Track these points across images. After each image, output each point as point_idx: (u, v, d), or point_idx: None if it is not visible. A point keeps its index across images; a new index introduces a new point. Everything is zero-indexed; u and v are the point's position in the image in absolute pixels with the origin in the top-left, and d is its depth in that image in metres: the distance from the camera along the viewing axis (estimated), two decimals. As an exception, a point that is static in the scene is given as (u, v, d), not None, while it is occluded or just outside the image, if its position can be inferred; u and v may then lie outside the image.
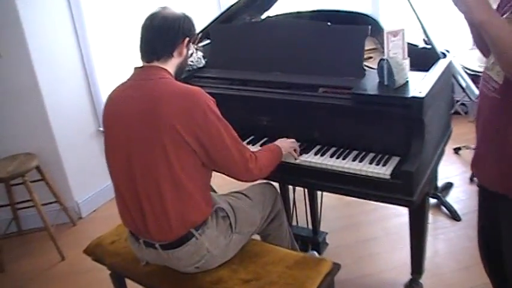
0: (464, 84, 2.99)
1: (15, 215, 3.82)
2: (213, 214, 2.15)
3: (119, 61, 4.16)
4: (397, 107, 2.15)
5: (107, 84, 4.08)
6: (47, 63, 3.64)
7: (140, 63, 2.12)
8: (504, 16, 1.73)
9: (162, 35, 2.06)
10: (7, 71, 3.53)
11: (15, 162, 3.49)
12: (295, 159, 2.36)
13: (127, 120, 2.03)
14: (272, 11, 3.39)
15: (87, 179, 4.05)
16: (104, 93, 4.05)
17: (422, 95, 2.08)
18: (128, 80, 2.14)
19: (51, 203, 3.79)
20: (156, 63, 2.08)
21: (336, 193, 2.38)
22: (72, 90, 3.89)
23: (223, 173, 2.14)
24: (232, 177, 2.15)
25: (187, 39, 2.12)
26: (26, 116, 3.67)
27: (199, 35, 2.96)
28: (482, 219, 2.21)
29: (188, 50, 2.20)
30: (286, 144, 2.34)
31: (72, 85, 3.89)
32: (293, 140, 2.40)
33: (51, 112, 3.70)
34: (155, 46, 2.07)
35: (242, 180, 2.18)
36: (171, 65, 2.12)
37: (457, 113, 4.86)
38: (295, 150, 2.37)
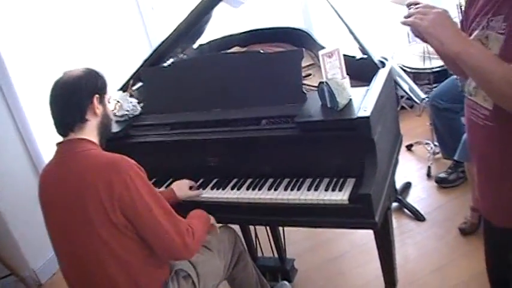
0: (407, 88, 2.97)
1: (-32, 296, 3.62)
2: (173, 277, 2.04)
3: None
4: (344, 130, 2.09)
5: (48, 145, 3.92)
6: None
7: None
8: (473, 35, 1.62)
9: (65, 105, 1.95)
10: None
11: (-40, 242, 3.30)
12: (198, 196, 2.30)
13: (59, 203, 1.92)
14: (203, 38, 3.31)
15: (41, 243, 3.81)
16: (44, 151, 3.89)
17: (368, 113, 2.02)
18: (52, 159, 2.02)
19: (5, 276, 3.61)
20: (73, 135, 1.96)
21: (297, 226, 2.31)
22: (8, 154, 3.69)
23: (158, 253, 1.97)
24: (166, 256, 2.01)
25: (96, 96, 1.99)
26: (-36, 190, 3.48)
27: (131, 81, 2.85)
28: (489, 249, 2.08)
29: (105, 105, 2.07)
30: (184, 191, 2.28)
31: (8, 148, 3.70)
32: (184, 180, 2.34)
33: (-9, 182, 3.51)
34: (64, 119, 1.96)
35: (179, 258, 2.05)
36: (90, 130, 1.99)
37: (402, 107, 4.87)
38: (191, 187, 2.31)
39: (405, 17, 1.55)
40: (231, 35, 3.34)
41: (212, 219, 2.23)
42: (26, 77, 3.82)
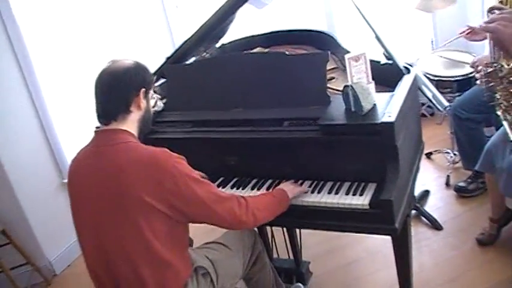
0: (430, 95, 2.95)
1: (-15, 283, 3.65)
2: (193, 274, 2.04)
3: (75, 109, 4.04)
4: (367, 135, 2.08)
5: (67, 135, 3.98)
6: (-1, 123, 3.50)
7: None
8: None
9: (112, 93, 1.93)
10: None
11: (-22, 230, 3.34)
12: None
13: (92, 194, 1.90)
14: (226, 38, 3.31)
15: (57, 234, 3.89)
16: (64, 144, 3.95)
17: (392, 119, 2.01)
18: (89, 145, 2.01)
19: (22, 265, 3.64)
20: (114, 125, 1.95)
21: (315, 229, 2.30)
22: (29, 145, 3.74)
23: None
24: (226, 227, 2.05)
25: (143, 90, 1.98)
26: (-16, 180, 3.52)
27: (154, 77, 2.85)
28: None
29: (148, 101, 2.06)
30: (291, 188, 2.20)
31: (29, 141, 3.74)
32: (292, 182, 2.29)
33: (10, 171, 3.55)
34: (108, 107, 1.94)
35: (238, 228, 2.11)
36: (131, 122, 1.98)
37: (423, 115, 4.83)
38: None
39: (487, 23, 1.51)
40: (253, 36, 3.34)
41: (300, 189, 2.21)
42: (49, 69, 3.87)
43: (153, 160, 1.84)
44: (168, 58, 2.95)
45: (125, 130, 1.95)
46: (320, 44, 3.04)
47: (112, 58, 2.03)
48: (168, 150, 1.89)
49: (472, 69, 3.49)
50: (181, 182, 1.83)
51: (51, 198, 3.89)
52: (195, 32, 2.85)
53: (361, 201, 2.07)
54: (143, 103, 2.00)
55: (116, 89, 1.93)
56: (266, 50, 3.13)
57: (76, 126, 4.03)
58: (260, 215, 2.01)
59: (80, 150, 2.04)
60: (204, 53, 3.14)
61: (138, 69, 1.99)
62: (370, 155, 2.11)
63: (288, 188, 2.17)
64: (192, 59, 3.05)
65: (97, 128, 2.04)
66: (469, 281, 2.93)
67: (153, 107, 2.08)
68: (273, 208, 2.08)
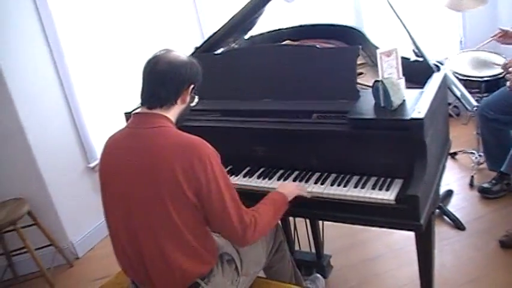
0: (459, 94, 2.94)
1: (10, 262, 3.72)
2: (218, 261, 2.07)
3: (102, 95, 4.09)
4: (396, 130, 2.08)
5: (94, 120, 4.02)
6: (29, 106, 3.55)
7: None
8: None
9: (167, 81, 1.95)
10: (-11, 117, 3.46)
11: (5, 210, 3.40)
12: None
13: (125, 174, 1.92)
14: (254, 30, 3.32)
15: (81, 217, 3.95)
16: (90, 129, 4.00)
17: (422, 115, 2.01)
18: (126, 127, 2.04)
19: (46, 246, 3.70)
20: (158, 111, 1.97)
21: (339, 222, 2.31)
22: (57, 129, 3.80)
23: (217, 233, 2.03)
24: (224, 237, 2.05)
25: (192, 85, 2.02)
26: (13, 160, 3.59)
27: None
28: None
29: (191, 96, 2.09)
30: (291, 189, 2.22)
31: (57, 124, 3.80)
32: (296, 183, 2.30)
33: (38, 154, 3.61)
34: (159, 93, 1.95)
35: (237, 245, 2.10)
36: (173, 113, 2.00)
37: (449, 115, 4.80)
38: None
39: None
40: (283, 29, 3.35)
41: (303, 190, 2.23)
42: (79, 56, 3.93)
43: (191, 145, 1.87)
44: (197, 48, 2.98)
45: (166, 117, 1.97)
46: (349, 39, 3.04)
47: (164, 47, 2.06)
48: (206, 142, 1.92)
49: (501, 71, 3.47)
50: (211, 175, 1.85)
51: (76, 182, 3.95)
52: (226, 23, 2.87)
53: (387, 196, 2.07)
54: (187, 98, 2.04)
55: (171, 79, 1.95)
56: (296, 43, 3.13)
57: (102, 112, 4.09)
58: (259, 235, 2.03)
59: (115, 132, 2.07)
60: (233, 44, 3.17)
61: (192, 65, 2.02)
62: (398, 150, 2.12)
63: (289, 190, 2.21)
64: (221, 50, 3.06)
65: (135, 112, 2.06)
66: (490, 282, 2.92)
67: (191, 102, 2.10)
68: (271, 225, 2.13)
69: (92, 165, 3.98)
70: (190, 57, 2.06)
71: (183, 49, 2.62)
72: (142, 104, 2.01)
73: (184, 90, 1.99)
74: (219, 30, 2.92)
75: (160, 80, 1.95)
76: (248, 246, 2.09)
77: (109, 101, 4.04)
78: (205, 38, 3.06)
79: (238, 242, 2.01)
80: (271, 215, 2.08)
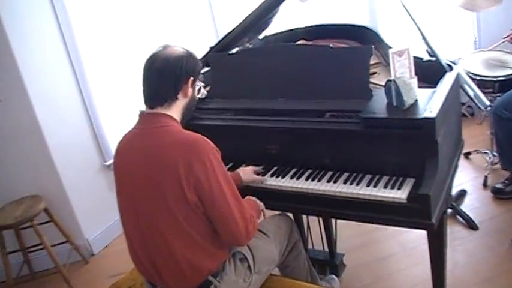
0: (472, 94, 2.93)
1: (26, 258, 3.77)
2: (230, 258, 2.09)
3: (118, 94, 4.13)
4: (408, 129, 2.09)
5: (109, 118, 4.07)
6: (46, 104, 3.60)
7: (142, 104, 2.04)
8: None
9: (164, 78, 1.96)
10: (8, 114, 3.51)
11: (22, 207, 3.45)
12: (262, 182, 2.37)
13: (133, 175, 1.97)
14: (269, 30, 3.35)
15: (96, 215, 4.00)
16: (106, 127, 4.04)
17: (434, 114, 2.02)
18: (134, 128, 2.07)
19: (61, 243, 3.75)
20: (159, 109, 1.99)
21: (351, 220, 2.32)
22: (73, 127, 3.85)
23: (220, 234, 1.98)
24: (228, 238, 2.00)
25: (191, 78, 2.03)
26: (30, 157, 3.64)
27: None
28: None
29: (194, 89, 2.10)
30: (250, 176, 2.35)
31: (73, 122, 3.85)
32: (250, 167, 2.41)
33: (54, 151, 3.66)
34: (158, 91, 1.98)
35: (237, 243, 2.07)
36: (176, 109, 2.02)
37: (463, 115, 4.80)
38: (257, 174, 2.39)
39: None
40: (297, 28, 3.35)
41: (262, 206, 2.27)
42: (94, 54, 3.98)
43: (191, 143, 1.89)
44: (212, 47, 3.01)
45: (168, 115, 2.00)
46: (363, 39, 3.05)
47: (163, 43, 2.08)
48: (207, 139, 1.94)
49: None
50: (210, 172, 1.87)
51: (92, 180, 4.00)
52: (240, 23, 2.90)
53: (399, 194, 2.08)
54: (190, 91, 2.05)
55: (167, 76, 1.97)
56: (310, 43, 3.15)
57: (118, 110, 4.13)
58: (257, 228, 2.08)
59: (126, 133, 2.10)
60: (248, 44, 3.19)
61: (190, 58, 2.03)
62: (410, 149, 2.13)
63: (248, 178, 2.36)
64: (235, 49, 3.08)
65: (141, 111, 2.09)
66: (503, 281, 2.91)
67: (197, 94, 2.12)
68: (258, 217, 2.18)
69: (107, 163, 4.03)
70: (187, 50, 2.06)
71: (198, 48, 2.66)
72: (145, 103, 2.04)
73: (183, 84, 2.00)
74: (233, 30, 2.95)
75: (158, 77, 1.97)
76: (258, 242, 2.14)
77: (125, 100, 4.07)
78: (220, 37, 3.10)
79: (242, 238, 1.99)
80: (253, 211, 2.12)
